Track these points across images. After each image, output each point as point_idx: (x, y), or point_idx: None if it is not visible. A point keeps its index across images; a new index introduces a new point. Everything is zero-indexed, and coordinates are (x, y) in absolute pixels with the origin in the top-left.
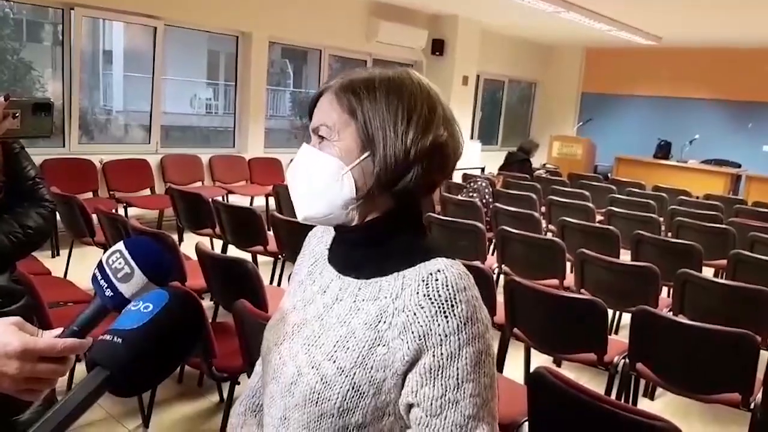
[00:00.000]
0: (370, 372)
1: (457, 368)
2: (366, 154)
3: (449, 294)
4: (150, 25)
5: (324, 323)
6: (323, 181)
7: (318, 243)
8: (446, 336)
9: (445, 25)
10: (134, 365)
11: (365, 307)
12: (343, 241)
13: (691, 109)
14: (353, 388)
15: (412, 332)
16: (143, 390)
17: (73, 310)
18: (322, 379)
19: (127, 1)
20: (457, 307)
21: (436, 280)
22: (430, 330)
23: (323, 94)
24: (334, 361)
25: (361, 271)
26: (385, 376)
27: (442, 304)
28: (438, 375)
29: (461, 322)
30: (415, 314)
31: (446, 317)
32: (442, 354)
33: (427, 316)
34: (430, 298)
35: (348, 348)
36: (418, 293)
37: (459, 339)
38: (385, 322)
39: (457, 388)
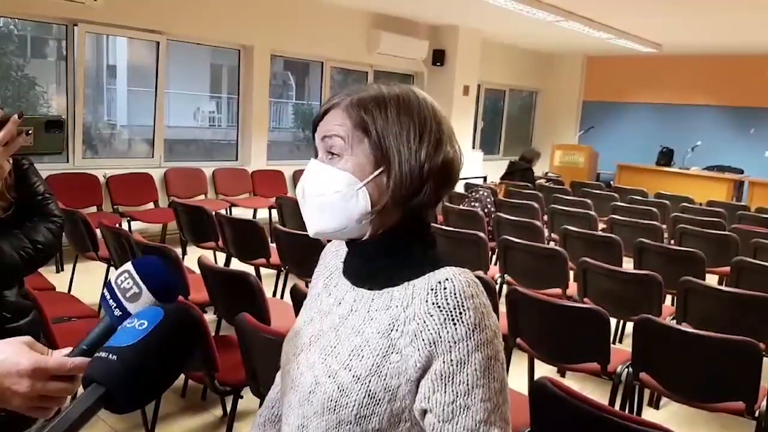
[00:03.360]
0: (384, 379)
1: (467, 374)
2: (380, 170)
3: (457, 302)
4: (153, 40)
5: (339, 334)
6: (337, 196)
7: (333, 257)
8: (455, 343)
9: (446, 35)
10: (129, 382)
11: (378, 317)
12: (356, 254)
13: (693, 115)
14: (369, 395)
15: (423, 339)
16: (138, 407)
17: (78, 325)
18: (338, 388)
19: (130, 16)
20: (465, 314)
21: (444, 288)
22: (440, 337)
23: (330, 110)
24: (350, 370)
25: (373, 283)
26: (399, 382)
27: (451, 311)
28: (449, 381)
29: (469, 328)
30: (425, 322)
31: (455, 324)
32: (452, 360)
33: (436, 324)
34: (439, 306)
35: (363, 356)
36: (427, 302)
37: (468, 345)
38: (397, 330)
39: (468, 394)
